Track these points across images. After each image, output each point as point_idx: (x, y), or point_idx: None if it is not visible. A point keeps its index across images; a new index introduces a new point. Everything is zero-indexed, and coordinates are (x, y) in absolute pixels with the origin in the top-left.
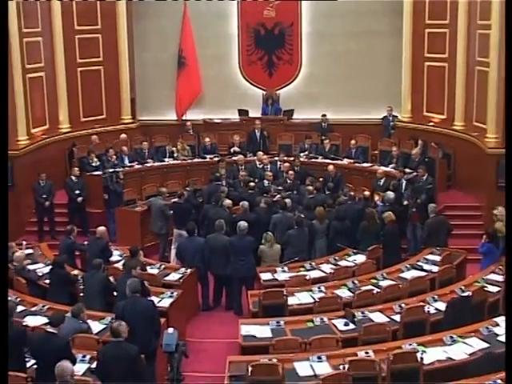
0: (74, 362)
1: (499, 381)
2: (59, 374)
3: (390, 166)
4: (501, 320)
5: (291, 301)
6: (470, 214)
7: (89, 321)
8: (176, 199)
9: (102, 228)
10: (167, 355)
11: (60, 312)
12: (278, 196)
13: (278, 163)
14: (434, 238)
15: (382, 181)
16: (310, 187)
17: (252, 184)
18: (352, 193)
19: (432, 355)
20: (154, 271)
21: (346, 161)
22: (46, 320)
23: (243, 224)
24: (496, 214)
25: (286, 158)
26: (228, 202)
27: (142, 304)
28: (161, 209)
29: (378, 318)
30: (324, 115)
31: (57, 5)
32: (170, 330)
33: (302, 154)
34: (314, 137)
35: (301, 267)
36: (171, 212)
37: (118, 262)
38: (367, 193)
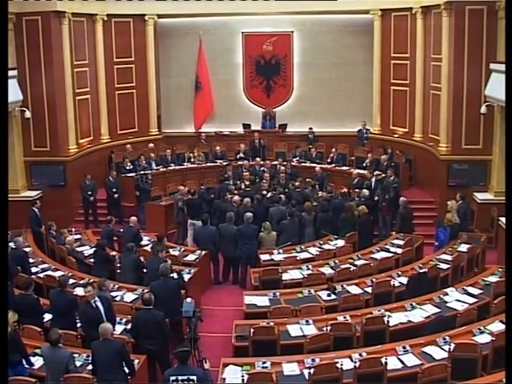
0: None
1: (447, 338)
2: (102, 333)
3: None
4: (449, 291)
5: (285, 276)
6: (426, 207)
7: (123, 292)
8: (189, 196)
9: (134, 218)
10: (186, 319)
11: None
12: (274, 192)
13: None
14: (405, 224)
15: (356, 180)
16: (297, 183)
17: (252, 183)
18: (342, 190)
19: (396, 319)
20: (176, 253)
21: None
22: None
23: (249, 215)
24: (448, 205)
25: (280, 162)
26: (235, 198)
27: (171, 283)
28: (177, 203)
29: (354, 290)
30: (311, 128)
31: (100, 42)
32: (189, 299)
33: (294, 159)
34: (303, 145)
35: (292, 250)
36: (184, 205)
37: (146, 245)
38: (346, 190)
